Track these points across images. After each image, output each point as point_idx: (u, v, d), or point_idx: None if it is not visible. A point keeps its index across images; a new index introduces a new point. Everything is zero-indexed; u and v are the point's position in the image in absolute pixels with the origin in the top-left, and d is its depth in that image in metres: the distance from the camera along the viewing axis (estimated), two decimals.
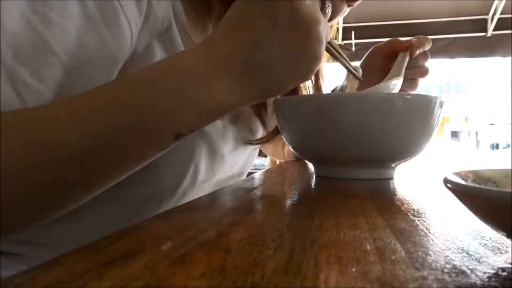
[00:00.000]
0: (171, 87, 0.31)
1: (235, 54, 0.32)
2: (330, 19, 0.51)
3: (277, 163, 0.99)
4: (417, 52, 0.58)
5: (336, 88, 0.71)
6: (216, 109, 0.33)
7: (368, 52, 0.66)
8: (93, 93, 0.30)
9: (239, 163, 0.60)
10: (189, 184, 0.48)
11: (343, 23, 3.36)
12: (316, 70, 0.35)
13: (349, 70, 0.53)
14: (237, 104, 0.34)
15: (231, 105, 0.33)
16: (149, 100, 0.30)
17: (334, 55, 0.50)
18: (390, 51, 0.62)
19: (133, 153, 0.32)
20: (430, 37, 0.60)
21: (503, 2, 3.11)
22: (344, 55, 0.51)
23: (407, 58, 0.57)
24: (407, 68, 0.58)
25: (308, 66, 0.34)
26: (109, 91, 0.31)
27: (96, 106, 0.30)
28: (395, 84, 0.54)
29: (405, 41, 0.59)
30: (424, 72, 0.62)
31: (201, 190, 0.51)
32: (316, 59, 0.33)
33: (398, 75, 0.56)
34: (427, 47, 0.59)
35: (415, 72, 0.61)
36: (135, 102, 0.30)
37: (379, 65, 0.64)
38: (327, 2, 0.43)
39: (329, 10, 0.44)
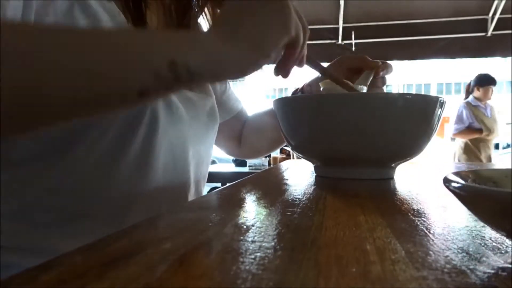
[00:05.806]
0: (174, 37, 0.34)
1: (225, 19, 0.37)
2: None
3: (277, 163, 0.99)
4: (381, 73, 0.62)
5: (297, 90, 0.73)
6: (213, 52, 0.34)
7: (336, 59, 0.68)
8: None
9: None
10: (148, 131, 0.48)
11: (343, 23, 3.36)
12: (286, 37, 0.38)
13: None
14: (236, 61, 0.35)
15: (231, 59, 0.35)
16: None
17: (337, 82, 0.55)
18: (356, 65, 0.65)
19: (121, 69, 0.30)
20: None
21: (503, 2, 3.11)
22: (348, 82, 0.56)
23: (371, 77, 0.61)
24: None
25: (280, 30, 0.37)
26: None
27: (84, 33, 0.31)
28: (362, 89, 0.58)
29: (372, 61, 0.63)
30: None
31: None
32: (284, 27, 0.38)
33: (363, 86, 0.60)
34: (389, 72, 0.63)
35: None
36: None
37: (342, 75, 0.67)
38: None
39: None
